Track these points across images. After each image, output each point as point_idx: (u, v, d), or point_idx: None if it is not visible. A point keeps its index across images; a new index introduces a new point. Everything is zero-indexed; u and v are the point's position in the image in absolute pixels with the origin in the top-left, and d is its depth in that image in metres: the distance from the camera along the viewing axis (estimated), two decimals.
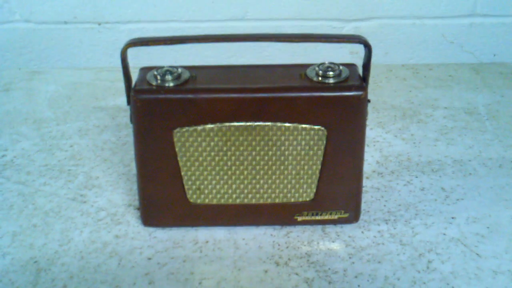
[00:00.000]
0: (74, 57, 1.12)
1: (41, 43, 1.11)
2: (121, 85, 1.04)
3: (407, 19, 1.10)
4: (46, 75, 1.09)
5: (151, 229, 0.70)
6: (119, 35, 1.10)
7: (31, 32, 1.10)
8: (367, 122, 0.66)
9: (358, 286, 0.62)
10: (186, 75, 0.65)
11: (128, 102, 0.65)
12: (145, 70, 0.67)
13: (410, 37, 1.12)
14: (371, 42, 0.64)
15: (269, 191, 0.68)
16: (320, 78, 0.64)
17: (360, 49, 1.12)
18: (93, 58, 1.12)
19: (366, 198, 0.74)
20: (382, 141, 0.87)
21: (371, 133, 0.89)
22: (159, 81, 0.64)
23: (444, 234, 0.69)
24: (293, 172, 0.67)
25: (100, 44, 1.11)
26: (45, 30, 1.10)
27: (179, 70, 0.65)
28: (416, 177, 0.79)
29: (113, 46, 1.11)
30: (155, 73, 0.65)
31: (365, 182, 0.77)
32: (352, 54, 1.12)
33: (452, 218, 0.71)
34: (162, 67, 0.65)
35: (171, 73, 0.64)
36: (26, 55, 1.12)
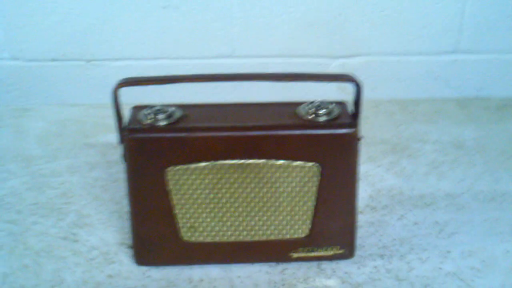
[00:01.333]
0: (63, 94, 1.12)
1: (29, 80, 1.10)
2: (110, 121, 1.03)
3: (392, 55, 1.12)
4: (35, 112, 1.09)
5: (144, 268, 0.69)
6: (107, 72, 1.10)
7: (19, 69, 1.09)
8: None
9: None
10: (178, 113, 0.65)
11: (120, 141, 0.65)
12: (136, 109, 0.67)
13: (396, 73, 1.14)
14: (357, 78, 0.65)
15: (264, 228, 0.67)
16: (311, 116, 0.65)
17: (347, 85, 1.14)
18: (82, 95, 1.12)
19: (361, 233, 0.74)
20: (374, 175, 0.88)
21: (362, 167, 0.89)
22: (151, 120, 0.64)
23: (440, 268, 0.69)
24: (288, 208, 0.67)
25: (88, 81, 1.11)
26: (33, 68, 1.10)
27: (171, 108, 0.65)
28: (410, 211, 0.79)
29: (102, 83, 1.11)
30: (147, 112, 0.65)
31: (359, 217, 0.77)
32: (340, 90, 1.13)
33: (447, 252, 0.72)
34: (153, 106, 0.65)
35: (163, 112, 0.64)
36: (14, 92, 1.11)
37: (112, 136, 0.99)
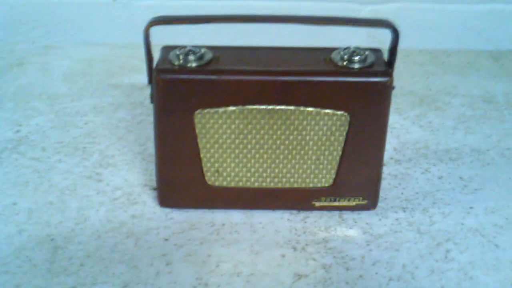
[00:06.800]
0: (88, 32, 1.11)
1: (54, 18, 1.09)
2: (136, 62, 1.03)
3: (426, 3, 1.08)
4: (61, 50, 1.08)
5: (167, 210, 0.70)
6: (134, 11, 1.09)
7: (43, 6, 1.08)
8: None
9: (376, 273, 0.62)
10: (209, 55, 0.64)
11: (149, 82, 0.64)
12: (167, 49, 0.66)
13: (429, 22, 1.10)
14: (395, 24, 0.63)
15: (288, 175, 0.67)
16: (345, 63, 0.63)
17: (377, 33, 1.11)
18: (108, 34, 1.11)
19: (384, 185, 0.74)
20: (399, 128, 0.86)
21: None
22: (181, 61, 0.63)
23: (462, 223, 0.69)
24: (313, 157, 0.66)
25: (115, 20, 1.10)
26: (58, 4, 1.08)
27: (202, 50, 0.64)
28: (434, 165, 0.78)
29: (128, 22, 1.10)
30: (178, 52, 0.63)
31: (383, 169, 0.76)
32: (370, 38, 1.10)
33: (470, 208, 0.71)
34: (184, 47, 0.64)
35: (194, 53, 0.63)
36: (39, 29, 1.10)
37: (137, 77, 0.99)
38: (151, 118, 0.65)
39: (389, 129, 0.85)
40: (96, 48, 1.09)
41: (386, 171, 0.77)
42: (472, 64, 1.06)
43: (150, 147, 0.80)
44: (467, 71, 1.03)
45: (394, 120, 0.88)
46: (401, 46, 1.10)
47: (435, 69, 1.04)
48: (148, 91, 0.65)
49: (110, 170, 0.77)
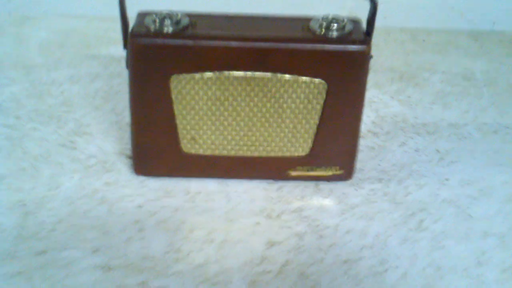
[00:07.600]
0: (66, 4, 1.09)
1: None
2: (113, 34, 1.01)
3: None
4: (37, 21, 1.06)
5: (142, 177, 0.69)
6: None
7: None
8: None
9: (350, 241, 0.62)
10: (185, 21, 0.63)
11: (125, 47, 0.63)
12: (143, 14, 0.64)
13: (410, 1, 1.10)
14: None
15: (265, 144, 0.67)
16: (323, 31, 0.63)
17: (359, 11, 1.11)
18: (86, 6, 1.09)
19: (361, 156, 0.74)
20: (378, 102, 0.86)
21: (367, 93, 0.86)
22: (157, 26, 0.62)
23: (437, 194, 0.69)
24: (290, 125, 0.66)
25: None
26: None
27: (179, 15, 0.63)
28: (411, 138, 0.78)
29: None
30: (154, 17, 0.62)
31: (360, 141, 0.76)
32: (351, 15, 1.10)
33: (446, 179, 0.71)
34: (161, 12, 0.63)
35: (170, 18, 0.62)
36: (15, 1, 1.08)
37: (115, 49, 0.97)
38: None
39: (368, 103, 0.85)
40: (73, 20, 1.07)
41: (363, 143, 0.77)
42: (452, 43, 1.06)
43: (127, 116, 0.79)
44: (446, 49, 1.03)
45: (373, 94, 0.88)
46: (382, 24, 1.10)
47: (415, 47, 1.04)
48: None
49: (85, 139, 0.75)
